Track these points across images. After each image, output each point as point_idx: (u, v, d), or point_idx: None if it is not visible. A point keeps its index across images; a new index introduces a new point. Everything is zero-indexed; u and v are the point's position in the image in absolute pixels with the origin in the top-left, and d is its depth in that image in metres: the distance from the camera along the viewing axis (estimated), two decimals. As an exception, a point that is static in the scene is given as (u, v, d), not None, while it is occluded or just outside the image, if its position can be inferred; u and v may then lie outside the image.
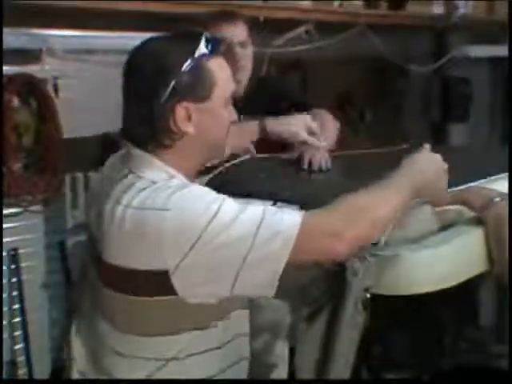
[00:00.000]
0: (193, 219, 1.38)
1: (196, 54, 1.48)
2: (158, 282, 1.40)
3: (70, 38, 2.92)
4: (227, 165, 2.08)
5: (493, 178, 1.96)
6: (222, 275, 1.40)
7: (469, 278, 1.65)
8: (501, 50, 5.05)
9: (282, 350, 1.75)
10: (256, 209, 1.42)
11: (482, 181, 1.98)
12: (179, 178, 1.50)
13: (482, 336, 2.94)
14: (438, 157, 1.61)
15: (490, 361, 2.79)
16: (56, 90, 2.94)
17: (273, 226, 1.39)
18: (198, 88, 1.48)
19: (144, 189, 1.44)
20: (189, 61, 1.46)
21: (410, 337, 2.75)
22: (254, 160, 2.20)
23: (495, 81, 5.39)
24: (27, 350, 2.87)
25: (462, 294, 2.48)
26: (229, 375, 1.57)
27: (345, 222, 1.41)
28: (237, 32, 2.54)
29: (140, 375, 1.51)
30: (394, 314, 2.31)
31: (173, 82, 1.45)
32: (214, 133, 1.54)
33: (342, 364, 1.49)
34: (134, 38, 3.00)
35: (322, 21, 3.69)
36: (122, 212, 1.42)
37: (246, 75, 2.56)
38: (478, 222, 1.69)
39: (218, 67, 1.52)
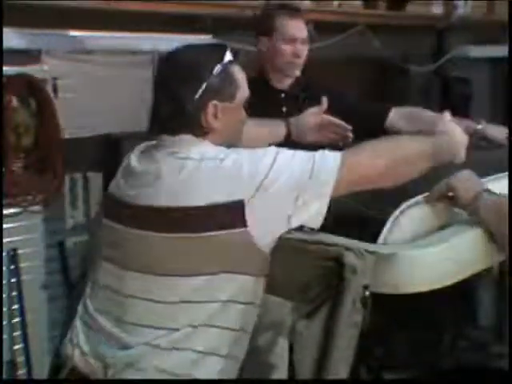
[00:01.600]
0: (262, 159, 1.63)
1: (224, 61, 1.72)
2: (233, 214, 1.59)
3: (70, 39, 2.93)
4: None
5: (492, 177, 1.96)
6: (287, 204, 1.60)
7: (466, 277, 1.65)
8: (500, 50, 5.05)
9: (282, 349, 1.75)
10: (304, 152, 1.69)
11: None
12: None
13: (482, 336, 2.94)
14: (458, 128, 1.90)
15: (490, 361, 2.79)
16: (55, 90, 2.94)
17: (321, 155, 1.66)
18: (226, 90, 1.73)
19: (207, 151, 1.68)
20: (218, 66, 1.71)
21: (410, 336, 2.75)
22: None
23: (495, 81, 5.39)
24: (27, 351, 2.87)
25: (462, 294, 2.48)
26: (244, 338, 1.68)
27: (382, 152, 1.70)
28: (302, 28, 2.77)
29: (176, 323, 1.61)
30: (394, 314, 2.31)
31: (205, 83, 1.69)
32: (234, 129, 1.79)
33: (341, 363, 1.48)
34: (133, 39, 3.05)
35: (322, 21, 3.69)
36: (194, 163, 1.64)
37: (299, 72, 2.78)
38: (475, 221, 1.70)
39: (239, 73, 1.77)
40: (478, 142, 2.61)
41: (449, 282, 1.60)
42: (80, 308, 1.78)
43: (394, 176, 1.70)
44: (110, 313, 1.70)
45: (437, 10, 4.56)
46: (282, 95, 2.77)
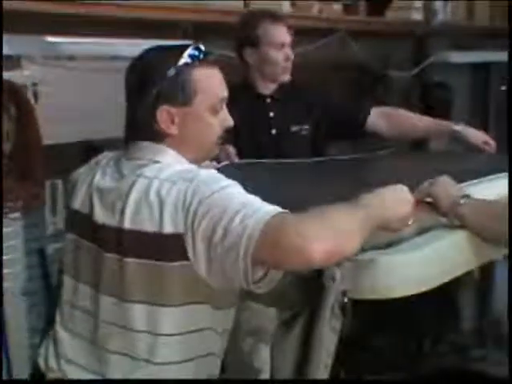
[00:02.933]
0: (204, 190, 1.49)
1: (179, 63, 1.61)
2: (177, 246, 1.50)
3: (50, 44, 2.92)
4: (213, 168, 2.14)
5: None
6: (213, 242, 1.46)
7: (445, 282, 1.66)
8: (480, 56, 5.10)
9: (265, 354, 1.75)
10: (254, 197, 1.50)
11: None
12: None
13: (462, 339, 2.96)
14: (404, 189, 1.63)
15: (470, 364, 2.81)
16: (35, 96, 2.93)
17: (253, 209, 1.45)
18: (180, 93, 1.61)
19: (165, 167, 1.58)
20: (172, 69, 1.60)
21: (390, 340, 2.76)
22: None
23: (475, 86, 5.43)
24: (7, 357, 2.85)
25: (442, 298, 2.49)
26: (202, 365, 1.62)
27: (316, 226, 1.42)
28: (286, 32, 2.74)
29: (134, 348, 1.56)
30: (374, 318, 2.32)
31: (157, 87, 1.60)
32: (199, 135, 1.66)
33: (321, 368, 1.49)
34: (113, 45, 3.04)
35: (302, 27, 3.70)
36: (146, 182, 1.56)
37: (289, 76, 2.75)
38: (455, 226, 1.71)
39: (203, 76, 1.64)
40: (454, 143, 2.65)
41: (428, 286, 1.61)
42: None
43: (327, 257, 1.41)
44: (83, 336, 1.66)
45: (417, 15, 4.59)
46: (268, 100, 2.78)
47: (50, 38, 2.92)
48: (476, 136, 2.67)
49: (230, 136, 2.43)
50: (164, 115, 1.61)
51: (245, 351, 2.14)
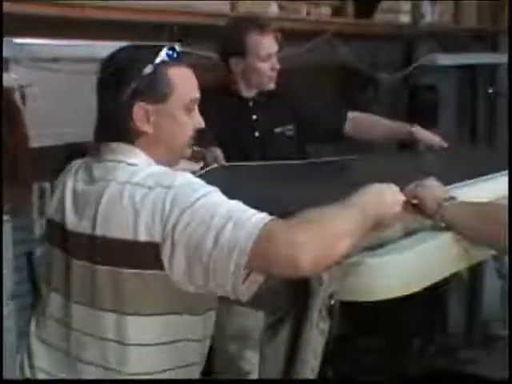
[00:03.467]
0: (183, 199, 1.47)
1: (156, 61, 1.62)
2: (152, 254, 1.48)
3: (37, 47, 2.91)
4: (201, 171, 2.14)
5: (459, 184, 1.99)
6: (197, 255, 1.45)
7: (433, 283, 1.66)
8: (468, 58, 5.12)
9: (252, 357, 1.75)
10: (238, 204, 1.48)
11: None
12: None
13: (451, 341, 2.97)
14: (394, 186, 1.66)
15: (459, 366, 2.81)
16: (23, 98, 2.92)
17: (242, 219, 1.44)
18: (156, 91, 1.61)
19: (137, 170, 1.56)
20: (149, 66, 1.61)
21: (379, 342, 2.76)
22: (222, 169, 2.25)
23: (462, 88, 5.45)
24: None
25: (431, 299, 2.50)
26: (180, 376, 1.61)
27: (306, 234, 1.42)
28: (273, 42, 2.76)
29: (104, 356, 1.54)
30: (362, 319, 2.32)
31: (133, 84, 1.59)
32: (172, 134, 1.66)
33: (308, 371, 1.49)
34: (101, 47, 3.03)
35: (290, 29, 3.70)
36: (118, 187, 1.53)
37: (272, 84, 2.77)
38: (441, 228, 1.71)
39: (178, 75, 1.65)
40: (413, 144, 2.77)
41: (415, 288, 1.61)
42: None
43: (318, 263, 1.43)
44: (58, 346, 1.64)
45: (404, 18, 4.60)
46: (251, 103, 2.79)
47: (38, 41, 2.91)
48: (428, 136, 2.78)
49: (214, 139, 2.46)
50: (140, 112, 1.60)
51: (232, 355, 2.14)
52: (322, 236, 1.43)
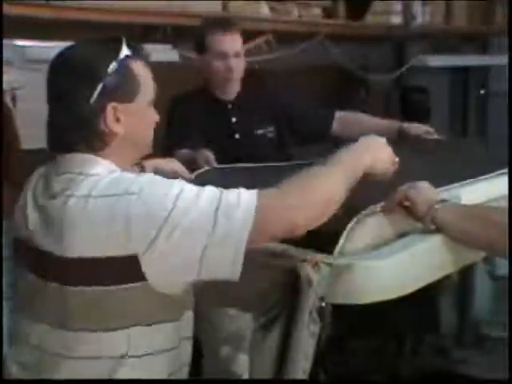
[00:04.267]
0: (159, 201, 1.42)
1: (120, 56, 1.52)
2: (129, 268, 1.42)
3: (28, 49, 2.90)
4: (193, 174, 2.16)
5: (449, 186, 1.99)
6: (190, 255, 1.42)
7: (424, 285, 1.67)
8: (459, 60, 5.13)
9: (243, 360, 1.75)
10: (213, 188, 1.47)
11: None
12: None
13: (443, 341, 2.97)
14: (377, 137, 1.72)
15: (451, 366, 2.82)
16: (14, 100, 2.91)
17: (232, 201, 1.44)
18: (124, 89, 1.52)
19: (98, 180, 1.47)
20: (114, 63, 1.51)
21: (370, 343, 2.77)
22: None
23: (453, 90, 5.47)
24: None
25: (422, 300, 2.50)
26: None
27: (299, 195, 1.48)
28: (234, 42, 2.69)
29: (90, 376, 1.50)
30: (354, 320, 2.32)
31: (101, 84, 1.49)
32: (141, 132, 1.58)
33: (299, 372, 1.49)
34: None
35: (282, 31, 3.71)
36: (80, 203, 1.44)
37: (236, 85, 2.75)
38: (431, 231, 1.72)
39: (141, 70, 1.56)
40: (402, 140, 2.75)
41: (407, 291, 1.61)
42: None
43: (314, 223, 1.50)
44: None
45: (396, 19, 4.61)
46: (230, 106, 2.78)
47: (29, 43, 2.91)
48: (417, 128, 2.80)
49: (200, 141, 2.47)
50: (111, 113, 1.50)
51: (223, 358, 2.14)
52: (314, 194, 1.49)
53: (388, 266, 1.60)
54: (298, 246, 1.59)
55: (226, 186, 1.50)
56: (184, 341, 1.62)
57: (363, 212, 1.68)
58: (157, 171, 1.96)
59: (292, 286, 1.49)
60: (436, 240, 1.71)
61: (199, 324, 1.70)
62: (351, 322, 2.48)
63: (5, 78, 2.87)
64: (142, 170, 2.05)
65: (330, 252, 1.57)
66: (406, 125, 2.80)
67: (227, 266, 1.43)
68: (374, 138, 1.71)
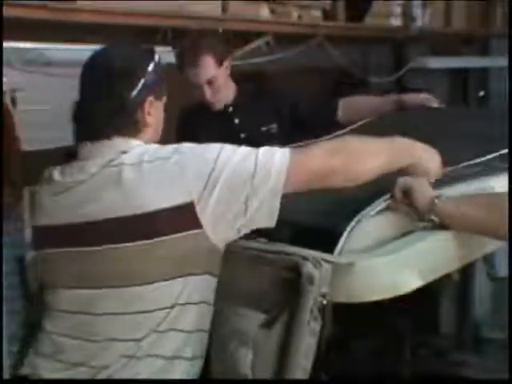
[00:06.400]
0: (205, 154, 1.62)
1: (156, 59, 1.75)
2: (185, 216, 1.57)
3: (28, 51, 2.91)
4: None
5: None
6: (236, 198, 1.58)
7: (424, 285, 1.66)
8: (458, 62, 5.13)
9: (247, 358, 1.74)
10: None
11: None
12: None
13: (443, 344, 2.97)
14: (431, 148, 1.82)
15: (451, 369, 2.81)
16: (14, 102, 2.92)
17: (268, 149, 1.63)
18: (159, 87, 1.75)
19: (144, 149, 1.66)
20: (152, 64, 1.73)
21: (370, 344, 2.76)
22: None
23: (453, 92, 5.47)
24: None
25: (423, 301, 2.50)
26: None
27: (340, 148, 1.68)
28: (203, 71, 2.70)
29: (142, 331, 1.60)
30: (354, 321, 2.32)
31: (142, 80, 1.69)
32: (159, 126, 1.80)
33: (299, 372, 1.49)
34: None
35: (282, 33, 3.72)
36: (135, 168, 1.61)
37: (224, 96, 2.77)
38: (433, 229, 1.72)
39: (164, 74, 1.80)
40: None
41: (406, 290, 1.61)
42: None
43: (345, 174, 1.66)
44: (78, 337, 1.67)
45: (395, 21, 4.62)
46: (230, 109, 2.82)
47: (29, 44, 2.91)
48: (416, 96, 2.87)
49: None
50: (148, 106, 1.70)
51: (226, 356, 2.13)
52: (353, 153, 1.67)
53: (389, 265, 1.60)
54: (299, 244, 1.60)
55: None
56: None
57: (363, 212, 1.68)
58: None
59: (293, 284, 1.50)
60: (436, 239, 1.71)
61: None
62: (349, 323, 2.48)
63: (4, 79, 2.87)
64: None
65: (331, 250, 1.58)
66: (404, 96, 2.86)
67: (265, 210, 1.59)
68: (429, 147, 1.81)
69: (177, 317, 1.62)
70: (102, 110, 1.69)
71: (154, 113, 1.73)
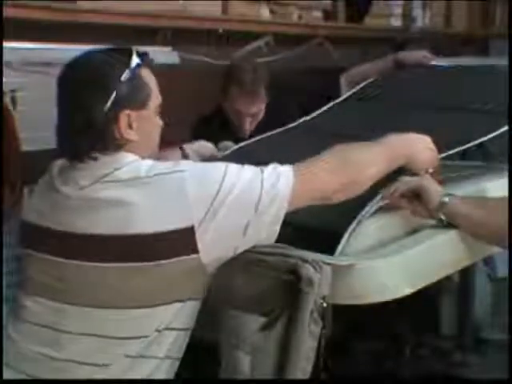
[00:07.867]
0: (210, 174, 1.52)
1: (132, 65, 1.57)
2: (183, 241, 1.48)
3: (28, 51, 2.90)
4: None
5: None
6: (239, 223, 1.52)
7: (425, 286, 1.66)
8: (459, 62, 5.12)
9: (244, 362, 1.74)
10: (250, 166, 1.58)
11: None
12: None
13: (443, 344, 2.97)
14: (424, 137, 1.80)
15: (451, 369, 2.81)
16: (14, 102, 2.92)
17: (272, 171, 1.56)
18: (137, 96, 1.58)
19: (138, 165, 1.55)
20: (126, 71, 1.56)
21: (371, 345, 2.76)
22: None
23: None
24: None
25: (423, 302, 2.50)
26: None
27: (337, 163, 1.62)
28: (251, 105, 2.74)
29: (124, 353, 1.53)
30: (354, 322, 2.33)
31: (114, 92, 1.53)
32: (151, 138, 1.66)
33: (299, 374, 1.49)
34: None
35: (282, 33, 3.72)
36: (129, 184, 1.51)
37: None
38: (435, 230, 1.71)
39: (150, 77, 1.62)
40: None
41: (406, 292, 1.61)
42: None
43: (348, 190, 1.62)
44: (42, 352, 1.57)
45: (395, 22, 4.62)
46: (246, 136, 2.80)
47: (29, 44, 2.91)
48: (413, 55, 2.92)
49: None
50: (124, 120, 1.55)
51: (225, 359, 2.13)
52: (351, 163, 1.62)
53: (390, 266, 1.60)
54: (299, 246, 1.59)
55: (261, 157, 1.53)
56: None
57: (364, 211, 1.68)
58: (195, 153, 2.17)
59: (293, 286, 1.49)
60: (438, 240, 1.71)
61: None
62: (350, 324, 2.48)
63: (4, 79, 2.87)
64: (183, 151, 2.17)
65: (332, 252, 1.58)
66: (401, 54, 2.91)
67: (264, 234, 1.54)
68: (421, 136, 1.79)
69: (151, 343, 1.54)
70: (75, 128, 1.56)
71: (138, 126, 1.57)
